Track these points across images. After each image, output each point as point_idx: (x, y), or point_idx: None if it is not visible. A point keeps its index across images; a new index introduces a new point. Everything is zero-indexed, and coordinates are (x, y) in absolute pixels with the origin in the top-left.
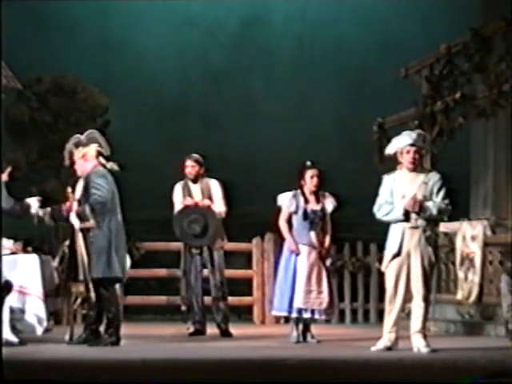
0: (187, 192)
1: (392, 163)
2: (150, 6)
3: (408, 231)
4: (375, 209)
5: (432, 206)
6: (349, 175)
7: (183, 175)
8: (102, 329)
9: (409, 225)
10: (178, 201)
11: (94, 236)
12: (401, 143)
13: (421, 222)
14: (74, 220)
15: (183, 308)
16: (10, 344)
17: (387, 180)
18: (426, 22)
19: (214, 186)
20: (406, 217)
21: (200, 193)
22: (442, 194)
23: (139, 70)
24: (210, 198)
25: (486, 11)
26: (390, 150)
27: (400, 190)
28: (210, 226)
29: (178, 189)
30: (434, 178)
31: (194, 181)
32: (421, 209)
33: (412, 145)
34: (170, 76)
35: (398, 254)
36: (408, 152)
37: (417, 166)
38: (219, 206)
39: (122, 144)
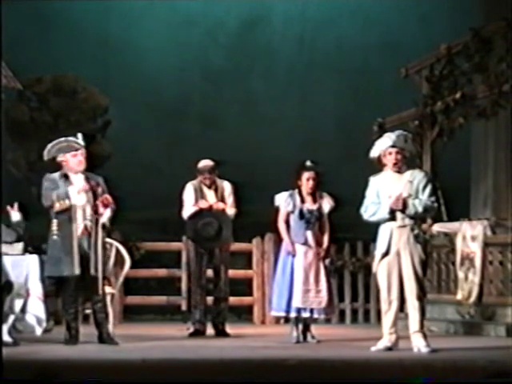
0: (200, 194)
1: None
2: (150, 6)
3: (396, 230)
4: (362, 210)
5: (418, 204)
6: (349, 175)
7: (194, 176)
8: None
9: (396, 224)
10: (190, 202)
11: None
12: (382, 146)
13: (408, 221)
14: (106, 214)
15: (183, 308)
16: (4, 344)
17: (373, 181)
18: (426, 22)
19: (228, 189)
20: (392, 215)
21: (214, 195)
22: (427, 191)
23: (139, 70)
24: (223, 200)
25: (486, 11)
26: (373, 153)
27: (386, 191)
28: (224, 229)
29: (189, 189)
30: (419, 175)
31: (209, 184)
32: (405, 206)
33: (393, 146)
34: (170, 76)
35: (386, 254)
36: (390, 153)
37: (400, 167)
38: (231, 209)
39: (122, 144)
